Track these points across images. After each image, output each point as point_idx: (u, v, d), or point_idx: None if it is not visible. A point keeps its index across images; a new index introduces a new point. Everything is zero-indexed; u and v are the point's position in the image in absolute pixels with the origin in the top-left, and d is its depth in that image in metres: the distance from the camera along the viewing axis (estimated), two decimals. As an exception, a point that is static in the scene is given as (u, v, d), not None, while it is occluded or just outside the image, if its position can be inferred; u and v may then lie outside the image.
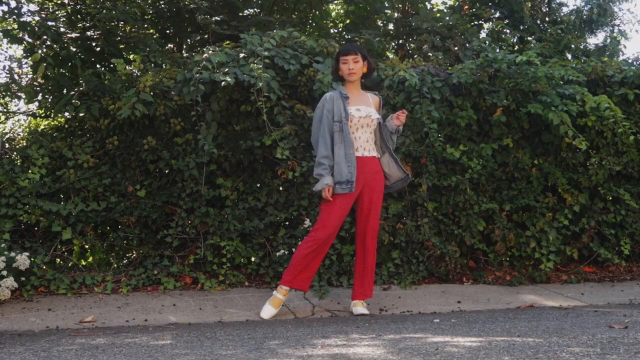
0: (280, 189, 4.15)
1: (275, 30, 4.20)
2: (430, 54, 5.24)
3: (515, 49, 5.98)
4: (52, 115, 4.89)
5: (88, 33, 5.03)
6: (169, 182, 4.21)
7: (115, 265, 4.48)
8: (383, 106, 4.15)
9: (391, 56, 6.03)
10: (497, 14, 6.49)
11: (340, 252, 4.02)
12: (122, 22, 5.20)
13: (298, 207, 4.07)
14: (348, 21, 7.02)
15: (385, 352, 2.11)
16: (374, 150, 3.41)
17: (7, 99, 5.30)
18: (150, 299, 3.58)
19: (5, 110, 5.65)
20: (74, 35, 4.98)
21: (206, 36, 5.56)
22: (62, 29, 5.01)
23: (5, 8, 4.79)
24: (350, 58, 3.36)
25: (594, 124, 4.20)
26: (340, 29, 7.08)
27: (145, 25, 5.72)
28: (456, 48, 5.17)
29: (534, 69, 4.05)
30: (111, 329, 2.93)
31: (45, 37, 4.68)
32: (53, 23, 5.02)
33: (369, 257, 3.40)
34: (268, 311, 3.27)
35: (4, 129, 5.54)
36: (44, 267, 3.81)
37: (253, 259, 4.11)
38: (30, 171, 3.97)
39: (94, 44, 5.06)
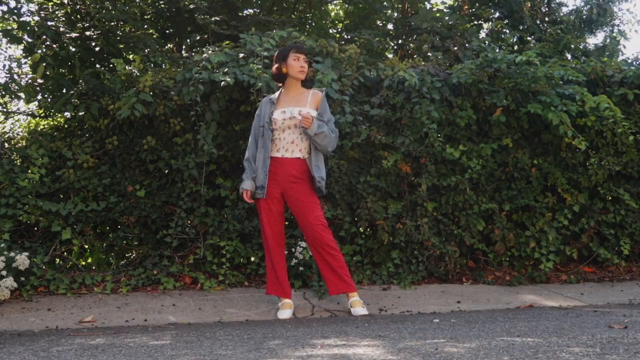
0: (280, 189, 4.15)
1: (274, 30, 4.21)
2: (429, 54, 5.24)
3: (515, 49, 5.99)
4: (51, 115, 4.89)
5: (87, 33, 5.04)
6: (168, 182, 4.21)
7: (114, 265, 4.48)
8: (382, 106, 4.16)
9: (391, 56, 6.04)
10: (497, 14, 6.50)
11: (339, 252, 4.02)
12: (121, 22, 5.21)
13: (298, 207, 4.07)
14: (347, 21, 7.02)
15: (384, 352, 2.11)
16: (299, 152, 3.31)
17: (6, 98, 5.30)
18: (149, 299, 3.58)
19: (5, 110, 5.65)
20: (73, 35, 4.99)
21: (206, 36, 5.57)
22: (61, 29, 5.01)
23: (5, 8, 4.79)
24: (302, 56, 3.37)
25: (594, 124, 4.19)
26: (339, 29, 7.09)
27: (145, 25, 5.72)
28: (456, 48, 5.17)
29: (534, 69, 4.05)
30: (111, 329, 2.92)
31: (44, 36, 4.69)
32: (52, 23, 5.02)
33: (328, 258, 3.27)
34: (284, 314, 3.28)
35: (4, 129, 5.54)
36: (44, 267, 3.81)
37: (252, 259, 4.11)
38: (29, 171, 3.98)
39: (93, 44, 5.07)
